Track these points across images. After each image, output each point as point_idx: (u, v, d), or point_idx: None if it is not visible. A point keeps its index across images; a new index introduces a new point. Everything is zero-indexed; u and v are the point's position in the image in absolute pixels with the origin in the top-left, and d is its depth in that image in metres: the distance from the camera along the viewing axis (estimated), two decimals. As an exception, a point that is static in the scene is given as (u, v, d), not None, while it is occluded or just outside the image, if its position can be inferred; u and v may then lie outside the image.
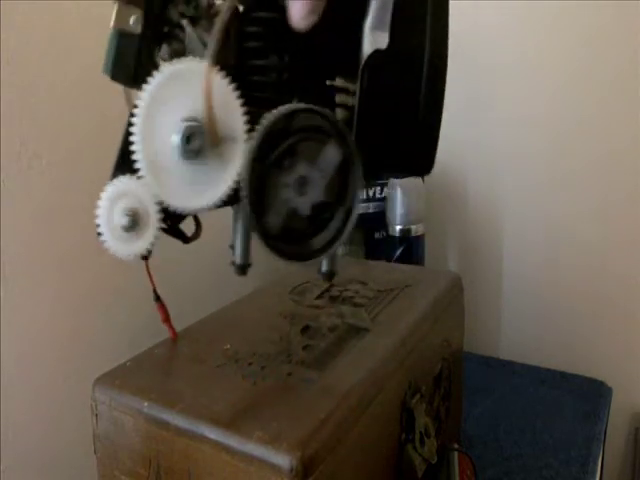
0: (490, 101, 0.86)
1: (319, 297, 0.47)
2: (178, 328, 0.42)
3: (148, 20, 0.29)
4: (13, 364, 0.48)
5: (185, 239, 0.34)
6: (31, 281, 0.49)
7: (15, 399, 0.49)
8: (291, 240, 0.30)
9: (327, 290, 0.48)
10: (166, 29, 0.30)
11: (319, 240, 0.31)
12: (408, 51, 0.32)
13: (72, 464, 0.54)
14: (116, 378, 0.35)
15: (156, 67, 0.28)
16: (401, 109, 0.32)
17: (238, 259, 0.33)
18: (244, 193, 0.29)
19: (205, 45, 0.30)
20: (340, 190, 0.30)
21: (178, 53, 0.30)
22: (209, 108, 0.28)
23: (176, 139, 0.28)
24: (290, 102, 0.30)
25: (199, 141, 0.27)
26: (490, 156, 0.88)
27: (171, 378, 0.35)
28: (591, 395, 0.73)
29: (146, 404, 0.32)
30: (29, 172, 0.48)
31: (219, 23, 0.28)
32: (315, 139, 0.29)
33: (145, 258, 0.32)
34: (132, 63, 0.29)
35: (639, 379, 0.83)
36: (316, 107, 0.29)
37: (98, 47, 0.54)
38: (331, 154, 0.29)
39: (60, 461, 0.53)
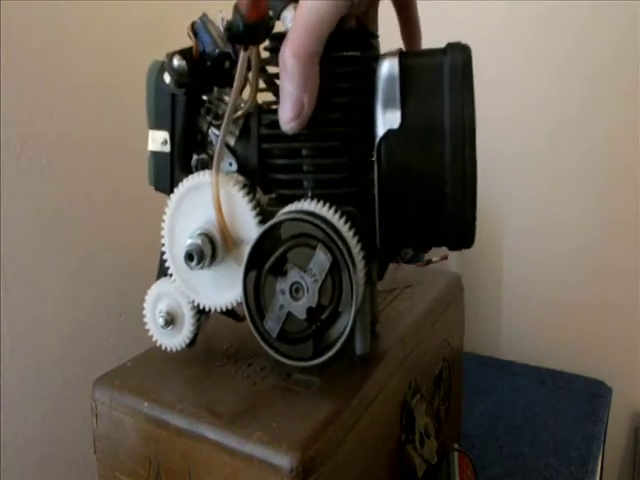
0: (489, 102, 0.86)
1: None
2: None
3: (174, 139, 0.32)
4: (13, 364, 0.48)
5: (237, 318, 0.36)
6: (31, 281, 0.49)
7: (15, 400, 0.49)
8: (289, 341, 0.31)
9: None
10: (200, 137, 0.33)
11: (316, 343, 0.31)
12: (425, 125, 0.29)
13: (72, 464, 0.54)
14: (116, 378, 0.35)
15: (188, 173, 0.32)
16: (424, 184, 0.30)
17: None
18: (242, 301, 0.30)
19: (230, 149, 0.32)
20: (334, 294, 0.30)
21: (204, 161, 0.33)
22: (220, 218, 0.30)
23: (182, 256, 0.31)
24: (312, 196, 0.31)
25: (200, 258, 0.30)
26: (490, 156, 0.88)
27: (171, 378, 0.35)
28: (591, 395, 0.73)
29: (146, 404, 0.32)
30: (29, 172, 0.48)
31: (222, 136, 0.30)
32: (304, 245, 0.29)
33: (189, 346, 0.35)
34: (168, 175, 0.33)
35: (639, 379, 0.83)
36: (302, 215, 0.29)
37: (98, 47, 0.55)
38: (321, 260, 0.29)
39: (60, 461, 0.53)
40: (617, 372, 0.81)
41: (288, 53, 0.27)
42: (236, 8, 0.27)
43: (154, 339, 0.35)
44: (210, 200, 0.30)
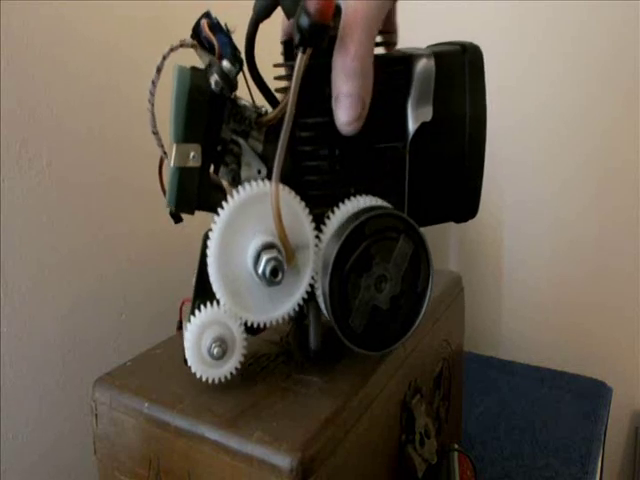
0: (490, 109, 0.86)
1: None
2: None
3: (206, 150, 0.29)
4: (13, 364, 0.48)
5: (253, 332, 0.34)
6: (31, 281, 0.49)
7: (15, 400, 0.49)
8: (372, 333, 0.32)
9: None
10: (219, 148, 0.31)
11: (395, 327, 0.33)
12: (451, 116, 0.33)
13: (72, 465, 0.54)
14: (116, 378, 0.35)
15: (214, 189, 0.30)
16: (447, 167, 0.34)
17: (314, 345, 0.35)
18: (324, 301, 0.30)
19: (259, 155, 0.31)
20: (412, 277, 0.32)
21: (235, 172, 0.31)
22: (281, 229, 0.29)
23: (261, 272, 0.28)
24: (345, 194, 0.31)
25: (282, 271, 0.28)
26: (489, 156, 0.88)
27: (171, 378, 0.34)
28: (591, 395, 0.73)
29: (146, 404, 0.32)
30: (29, 172, 0.48)
31: (282, 145, 0.28)
32: (387, 238, 0.30)
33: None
34: (194, 193, 0.30)
35: (639, 379, 0.83)
36: (385, 208, 0.31)
37: (98, 47, 0.55)
38: (404, 249, 0.31)
39: (60, 462, 0.53)
40: (617, 372, 0.81)
41: (351, 55, 0.27)
42: (304, 7, 0.26)
43: (198, 375, 0.31)
44: (267, 211, 0.28)
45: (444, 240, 0.94)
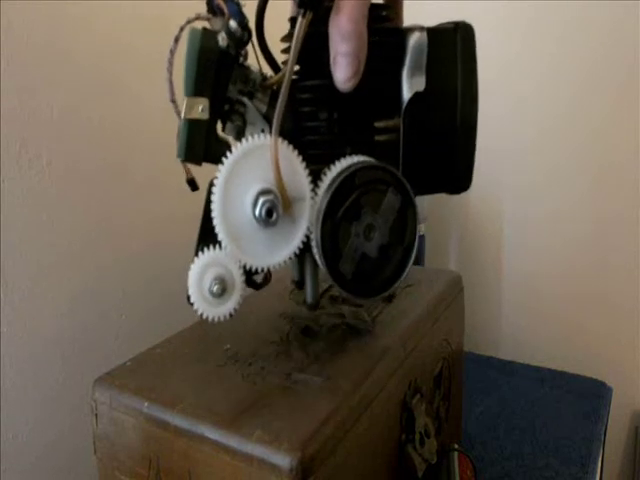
0: (488, 102, 0.86)
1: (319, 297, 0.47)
2: (179, 328, 0.42)
3: (214, 106, 0.32)
4: (13, 364, 0.48)
5: (256, 286, 0.37)
6: (31, 281, 0.49)
7: (15, 400, 0.49)
8: (361, 280, 0.34)
9: (327, 290, 0.48)
10: (227, 107, 0.34)
11: (384, 277, 0.34)
12: (443, 88, 0.35)
13: (72, 464, 0.54)
14: (116, 378, 0.35)
15: (220, 143, 0.33)
16: (441, 138, 0.36)
17: (310, 298, 0.38)
18: (316, 246, 0.32)
19: (263, 115, 0.34)
20: (400, 230, 0.34)
21: (240, 128, 0.34)
22: (279, 178, 0.31)
23: (257, 213, 0.31)
24: (342, 154, 0.33)
25: (277, 213, 0.31)
26: (490, 156, 0.88)
27: (171, 378, 0.35)
28: (591, 395, 0.73)
29: (146, 404, 0.32)
30: (29, 172, 0.48)
31: (281, 101, 0.30)
32: (376, 190, 0.32)
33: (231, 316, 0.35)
34: (202, 145, 0.32)
35: (639, 379, 0.83)
36: (375, 162, 0.33)
37: (99, 47, 0.55)
38: (392, 201, 0.33)
39: (60, 461, 0.53)
40: (617, 372, 0.81)
41: (345, 18, 0.29)
42: None
43: (200, 312, 0.33)
44: (267, 162, 0.31)
45: (444, 239, 0.94)
